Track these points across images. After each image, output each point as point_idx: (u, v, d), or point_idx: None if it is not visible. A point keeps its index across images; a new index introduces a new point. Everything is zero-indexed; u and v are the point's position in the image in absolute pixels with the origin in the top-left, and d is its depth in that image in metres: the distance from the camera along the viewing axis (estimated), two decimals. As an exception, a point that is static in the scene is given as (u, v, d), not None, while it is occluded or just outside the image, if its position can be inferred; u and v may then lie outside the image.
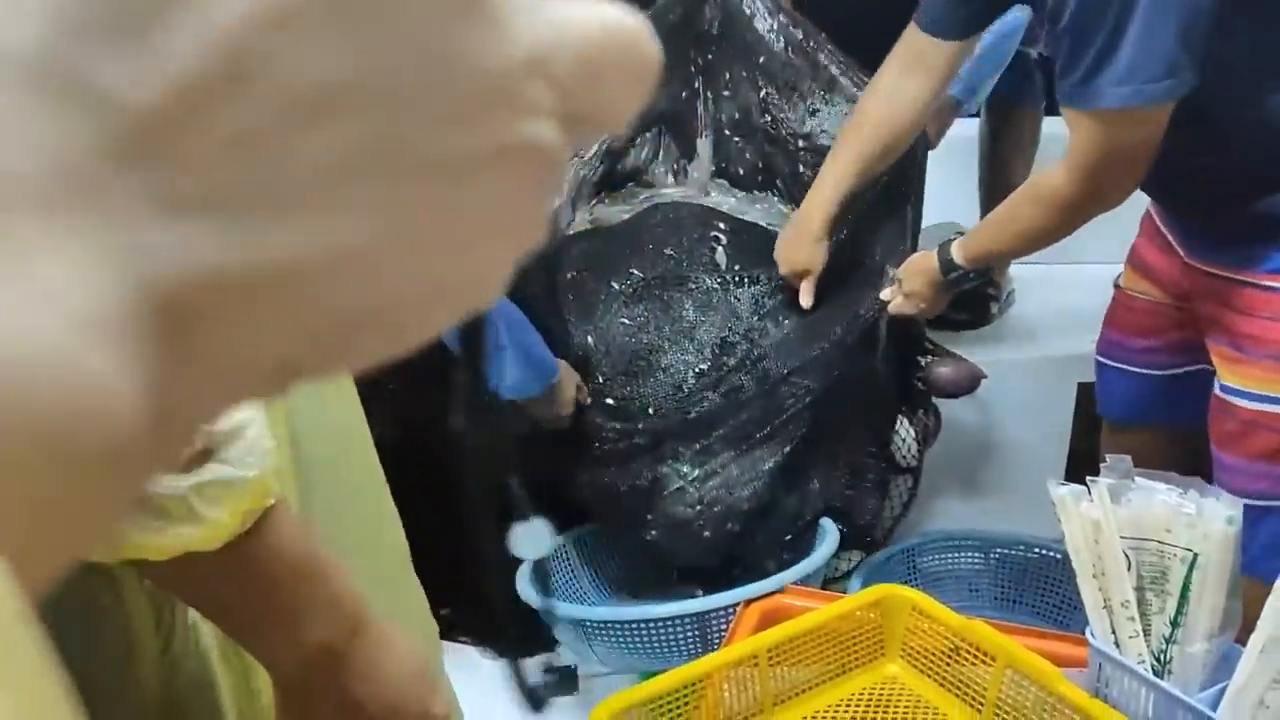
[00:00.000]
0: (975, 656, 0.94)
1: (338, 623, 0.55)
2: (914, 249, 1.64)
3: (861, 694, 0.98)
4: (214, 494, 0.48)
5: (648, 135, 1.74)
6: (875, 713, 0.95)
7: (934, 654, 0.98)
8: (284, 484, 0.60)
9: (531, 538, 1.24)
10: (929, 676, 0.98)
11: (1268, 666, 0.79)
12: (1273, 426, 1.20)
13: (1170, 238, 1.34)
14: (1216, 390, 1.25)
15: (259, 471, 0.50)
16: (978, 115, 2.02)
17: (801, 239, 1.55)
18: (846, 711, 0.96)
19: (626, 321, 1.60)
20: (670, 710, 0.91)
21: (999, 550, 1.77)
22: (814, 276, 1.56)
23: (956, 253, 1.42)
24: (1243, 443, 1.22)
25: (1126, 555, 0.85)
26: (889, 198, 1.64)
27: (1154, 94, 1.12)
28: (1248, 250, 1.22)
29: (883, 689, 0.98)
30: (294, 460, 0.65)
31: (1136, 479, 0.87)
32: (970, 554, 1.79)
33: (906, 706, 0.96)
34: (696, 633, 1.39)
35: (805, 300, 1.58)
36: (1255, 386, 1.21)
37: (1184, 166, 1.22)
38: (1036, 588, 1.74)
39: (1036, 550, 1.72)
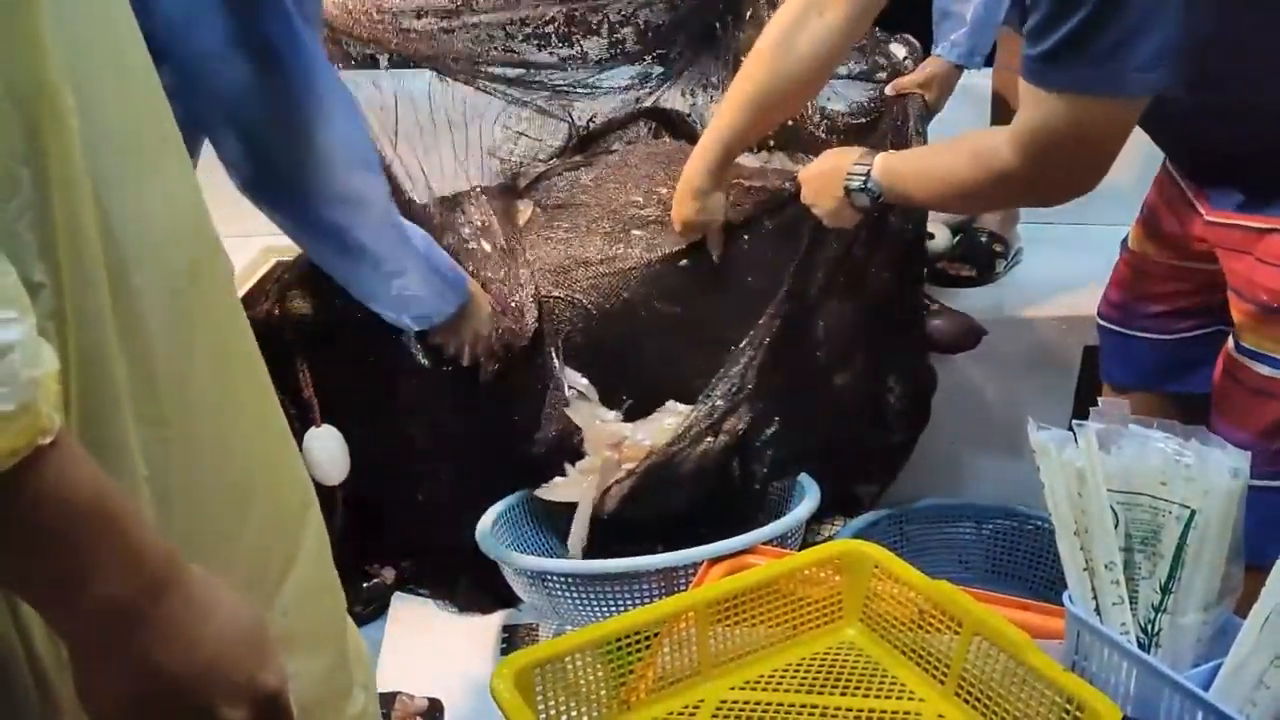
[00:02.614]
0: (941, 622, 0.84)
1: (134, 579, 0.47)
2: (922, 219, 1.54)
3: (813, 659, 0.88)
4: None
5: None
6: (825, 680, 0.85)
7: (897, 619, 0.88)
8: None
9: (325, 450, 1.13)
10: (889, 643, 0.88)
11: (1270, 642, 0.68)
12: None
13: (1190, 195, 1.22)
14: (1231, 350, 1.13)
15: (18, 405, 0.41)
16: (990, 65, 1.89)
17: (683, 195, 1.42)
18: (794, 678, 0.86)
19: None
20: (593, 668, 0.81)
21: (993, 522, 1.67)
22: (714, 229, 1.44)
23: (876, 167, 1.26)
24: (1246, 412, 1.10)
25: (1114, 511, 0.75)
26: None
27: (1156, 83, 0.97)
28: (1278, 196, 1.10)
29: (837, 654, 0.88)
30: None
31: (1130, 425, 0.76)
32: (962, 524, 1.69)
33: (861, 675, 0.85)
34: (661, 590, 1.30)
35: (714, 253, 1.47)
36: (1276, 350, 1.08)
37: (1215, 123, 1.10)
38: (1032, 561, 1.64)
39: (1033, 522, 1.62)
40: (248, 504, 0.63)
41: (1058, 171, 1.09)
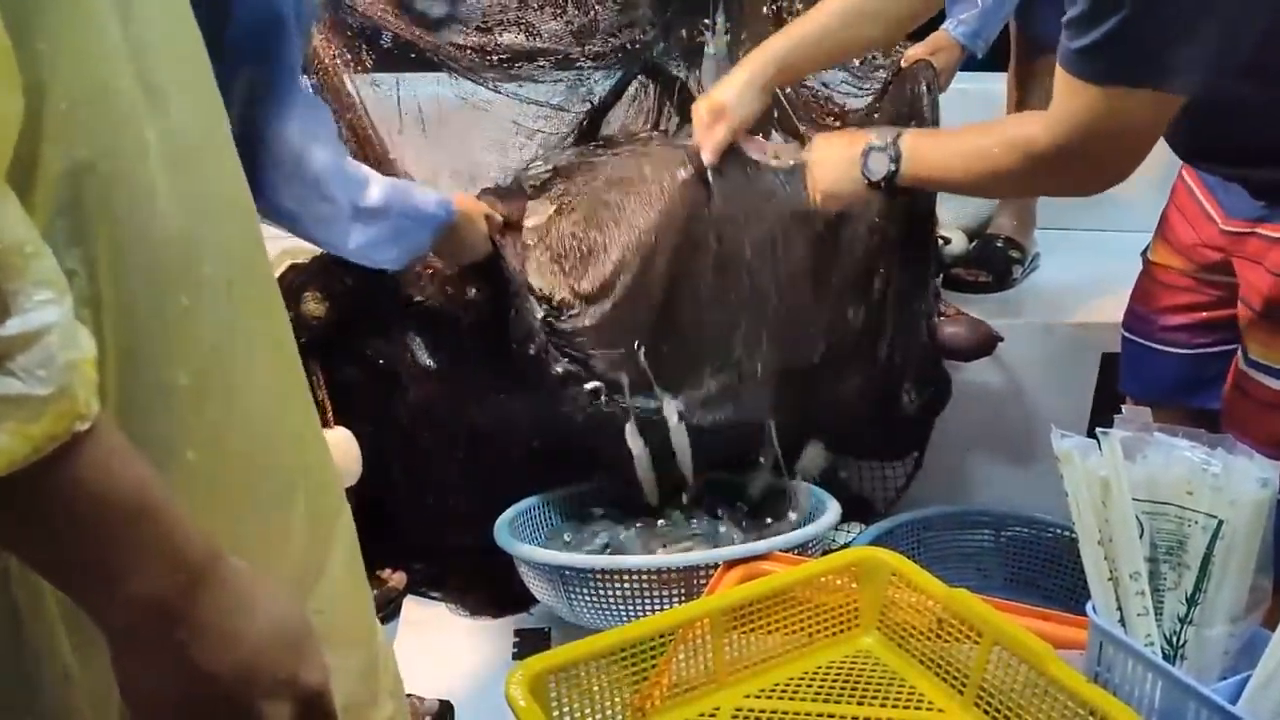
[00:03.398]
0: (961, 632, 0.83)
1: (174, 574, 0.46)
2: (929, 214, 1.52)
3: (829, 668, 0.87)
4: None
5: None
6: (842, 689, 0.84)
7: (915, 627, 0.87)
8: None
9: (339, 452, 1.12)
10: (907, 652, 0.87)
11: (1299, 655, 0.67)
12: None
13: (1208, 203, 1.21)
14: (1240, 364, 1.12)
15: (56, 389, 0.41)
16: (1005, 69, 1.88)
17: (731, 76, 1.35)
18: (810, 686, 0.85)
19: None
20: (608, 674, 0.80)
21: (1011, 529, 1.65)
22: (726, 126, 1.35)
23: (900, 149, 1.24)
24: (1258, 426, 1.08)
25: (1139, 520, 0.73)
26: None
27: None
28: None
29: (853, 663, 0.87)
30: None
31: (1156, 434, 0.75)
32: (980, 532, 1.67)
33: (879, 684, 0.84)
34: (681, 591, 1.29)
35: (705, 155, 1.36)
36: None
37: (1235, 126, 1.08)
38: (1051, 570, 1.62)
39: (1052, 530, 1.60)
40: (291, 503, 0.63)
41: (1093, 161, 1.08)
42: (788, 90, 1.58)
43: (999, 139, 1.15)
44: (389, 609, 1.59)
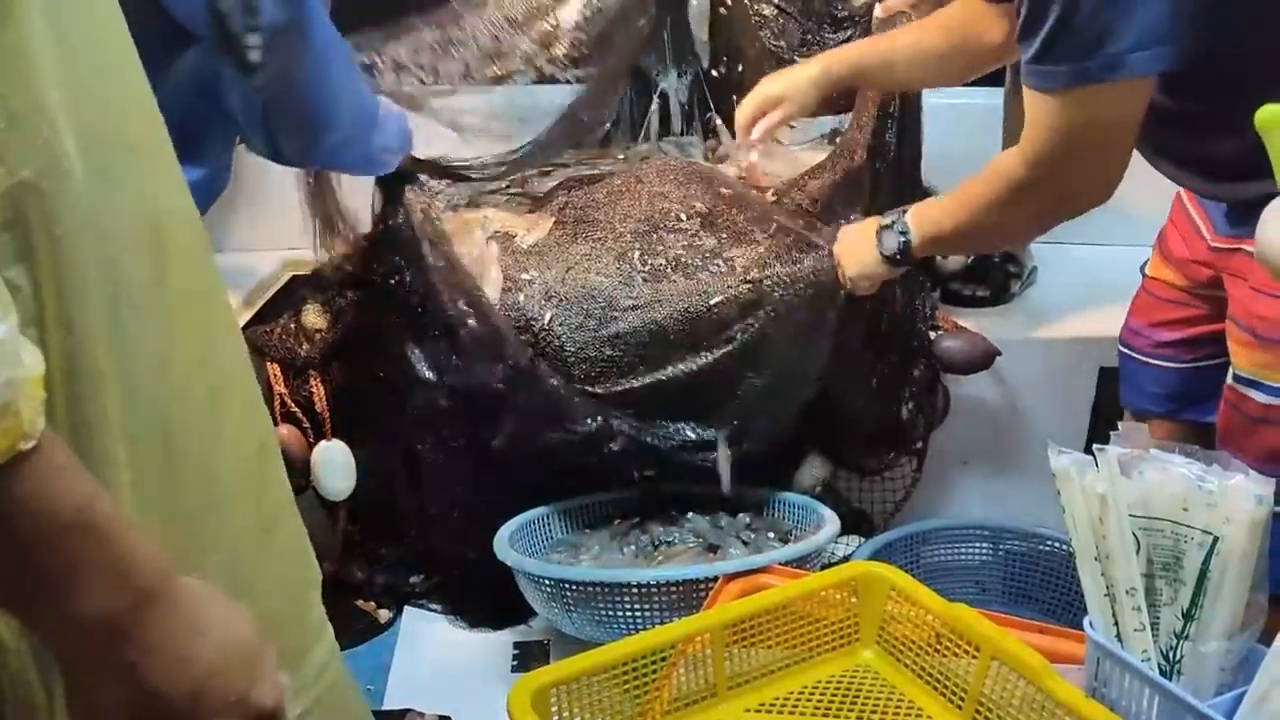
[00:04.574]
0: (959, 646, 0.83)
1: (122, 593, 0.46)
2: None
3: (829, 682, 0.87)
4: None
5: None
6: (841, 704, 0.85)
7: (913, 642, 0.87)
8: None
9: (332, 466, 1.13)
10: (906, 666, 0.87)
11: (1295, 671, 0.67)
12: None
13: (1199, 219, 1.22)
14: (1230, 380, 1.13)
15: None
16: (1002, 85, 1.89)
17: (792, 69, 1.42)
18: (809, 701, 0.85)
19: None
20: (609, 688, 0.81)
21: (1009, 542, 1.65)
22: (782, 113, 1.42)
23: (906, 223, 1.29)
24: (1248, 441, 1.08)
25: (1135, 536, 0.74)
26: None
27: (1138, 64, 0.96)
28: None
29: (853, 677, 0.88)
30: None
31: (1152, 451, 0.76)
32: (978, 545, 1.67)
33: (877, 699, 0.85)
34: (681, 604, 1.29)
35: (756, 133, 1.44)
36: (1270, 376, 1.07)
37: (1214, 138, 1.09)
38: (1049, 584, 1.62)
39: (1049, 543, 1.61)
40: (240, 509, 0.62)
41: (1072, 177, 1.08)
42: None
43: (985, 181, 1.18)
44: (362, 633, 1.57)
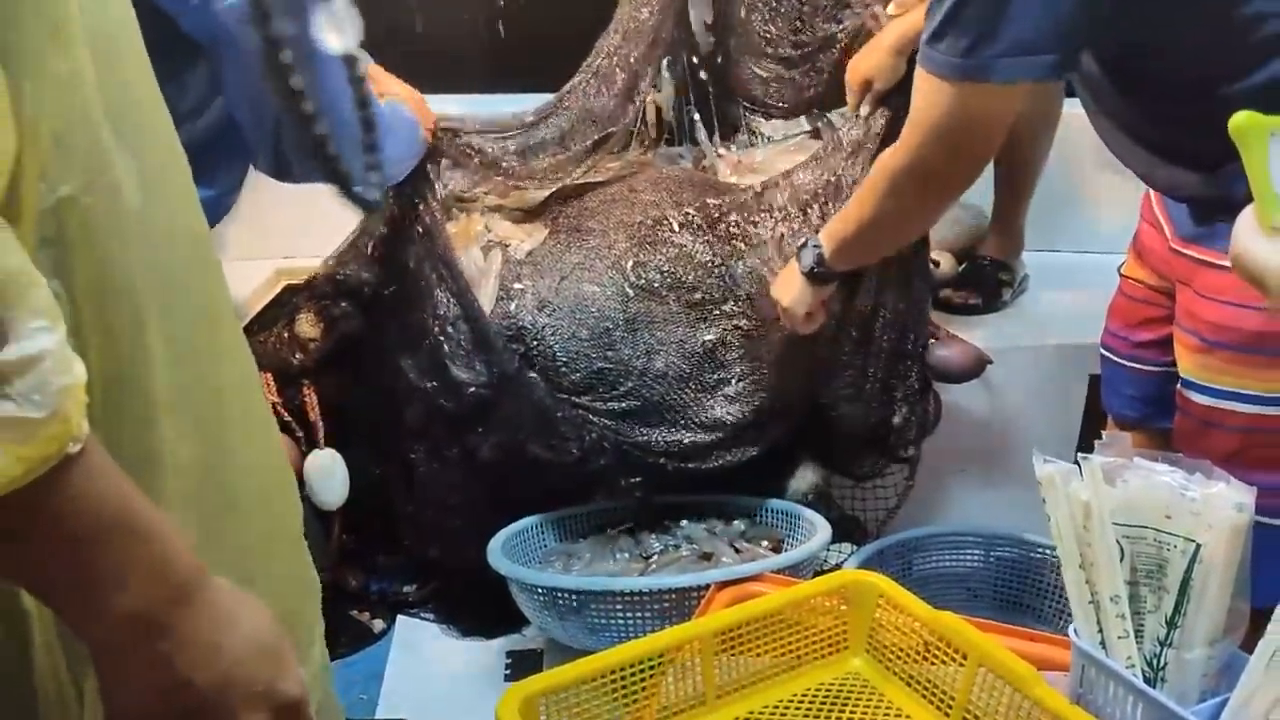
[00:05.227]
0: (947, 654, 0.84)
1: (157, 589, 0.48)
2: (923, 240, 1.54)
3: (818, 690, 0.88)
4: None
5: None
6: (831, 711, 0.85)
7: (902, 650, 0.87)
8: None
9: (325, 476, 1.15)
10: (895, 674, 0.87)
11: (1277, 677, 0.68)
12: (1229, 425, 1.06)
13: (1162, 218, 1.23)
14: (1179, 386, 1.14)
15: (50, 413, 0.42)
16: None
17: (871, 49, 1.46)
18: (799, 708, 0.86)
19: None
20: (599, 697, 0.81)
21: (1000, 550, 1.66)
22: (878, 89, 1.47)
23: (822, 237, 1.33)
24: (1198, 444, 1.09)
25: (1119, 544, 0.75)
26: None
27: (1029, 69, 0.99)
28: (1212, 228, 1.10)
29: (842, 685, 0.88)
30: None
31: (1135, 459, 0.76)
32: (970, 552, 1.68)
33: (866, 706, 0.85)
34: (673, 612, 1.29)
35: (863, 109, 1.50)
36: (1212, 379, 1.08)
37: (1168, 138, 1.11)
38: (1040, 590, 1.62)
39: (1040, 550, 1.61)
40: (260, 514, 0.64)
41: (939, 159, 1.12)
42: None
43: (870, 178, 1.22)
44: (356, 642, 1.58)
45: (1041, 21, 0.97)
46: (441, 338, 1.45)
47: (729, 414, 1.45)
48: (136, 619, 0.47)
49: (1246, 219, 0.54)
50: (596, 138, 1.59)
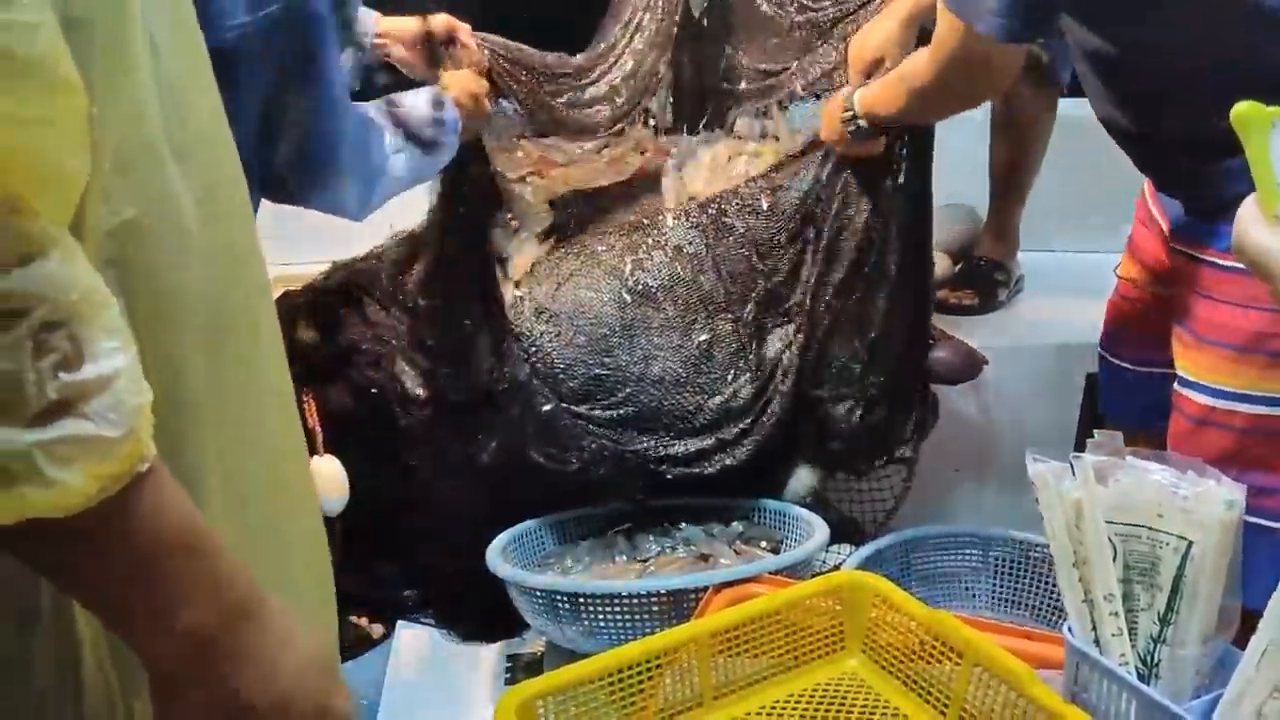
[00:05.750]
0: (942, 653, 0.84)
1: (218, 606, 0.49)
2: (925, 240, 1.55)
3: (815, 689, 0.88)
4: (65, 453, 0.41)
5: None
6: (828, 710, 0.85)
7: (898, 649, 0.88)
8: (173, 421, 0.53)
9: (325, 481, 1.16)
10: (891, 673, 0.88)
11: (1268, 674, 0.68)
12: (1224, 424, 1.07)
13: (1159, 216, 1.23)
14: (1175, 385, 1.14)
15: (125, 431, 0.43)
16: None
17: (882, 20, 1.44)
18: (795, 708, 0.86)
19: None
20: (598, 699, 0.81)
21: (999, 549, 1.66)
22: (889, 67, 1.43)
23: (856, 97, 1.38)
24: (1193, 443, 1.10)
25: (1112, 542, 0.75)
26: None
27: (1002, 30, 1.08)
28: (1212, 226, 1.11)
29: (839, 685, 0.89)
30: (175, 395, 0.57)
31: (1127, 457, 0.77)
32: (968, 552, 1.68)
33: (863, 705, 0.86)
34: (672, 614, 1.30)
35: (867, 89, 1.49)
36: (1209, 378, 1.08)
37: (1168, 134, 1.12)
38: (1039, 589, 1.62)
39: (1039, 549, 1.61)
40: (294, 530, 0.66)
41: (957, 82, 1.22)
42: None
43: (903, 68, 1.30)
44: (356, 647, 1.58)
45: None
46: (458, 344, 1.45)
47: (727, 418, 1.46)
48: (198, 637, 0.48)
49: (1249, 208, 0.55)
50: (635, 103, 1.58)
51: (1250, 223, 0.55)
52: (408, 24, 1.42)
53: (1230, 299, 1.06)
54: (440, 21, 1.43)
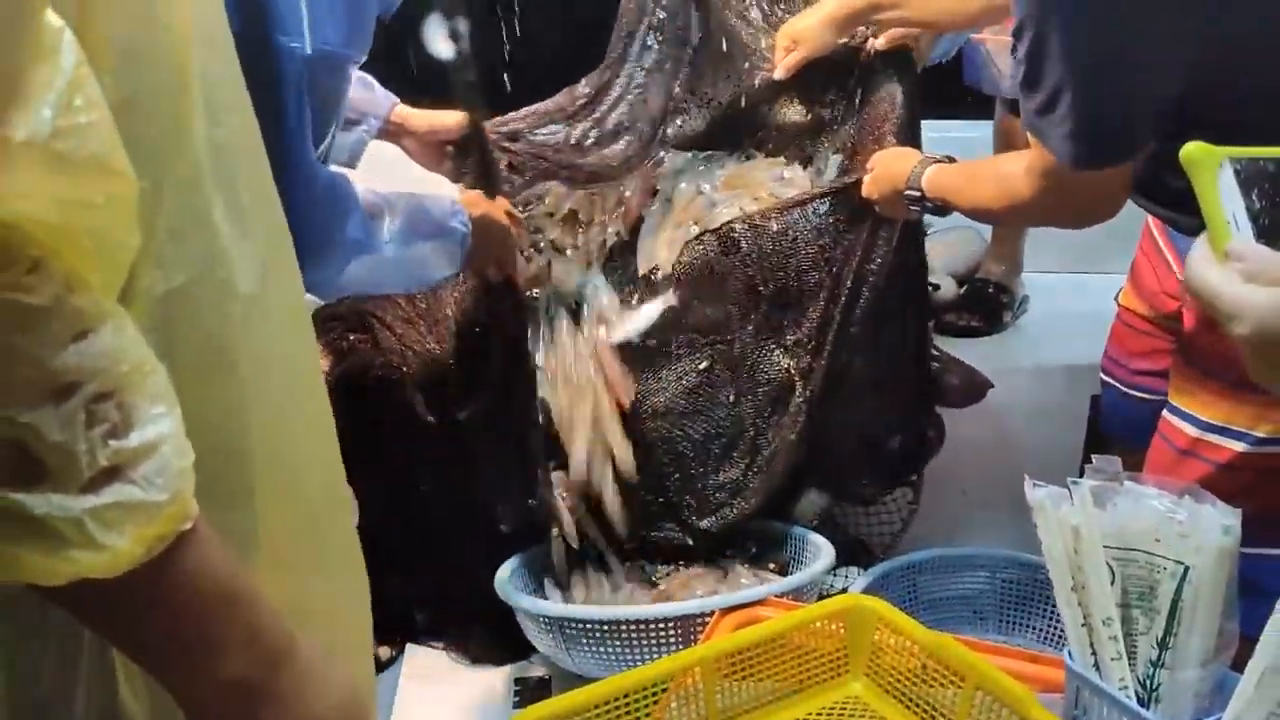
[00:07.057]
0: (945, 677, 0.85)
1: (258, 655, 0.50)
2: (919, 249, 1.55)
3: (819, 714, 0.89)
4: (114, 518, 0.43)
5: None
6: (830, 735, 0.86)
7: (901, 673, 0.89)
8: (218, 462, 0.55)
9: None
10: (895, 697, 0.89)
11: (1266, 697, 0.69)
12: (1210, 459, 1.06)
13: (1169, 253, 1.24)
14: (1165, 412, 1.15)
15: (170, 495, 0.45)
16: (991, 117, 1.93)
17: (810, 12, 1.45)
18: (800, 733, 0.87)
19: None
20: (603, 723, 0.82)
21: (1006, 571, 1.66)
22: (801, 52, 1.47)
23: (925, 179, 1.29)
24: (1173, 472, 1.08)
25: (1110, 567, 0.76)
26: None
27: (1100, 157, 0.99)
28: None
29: (843, 709, 0.89)
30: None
31: (1125, 483, 0.78)
32: (975, 575, 1.68)
33: (866, 730, 0.87)
34: (679, 638, 1.31)
35: (778, 73, 1.50)
36: (1202, 412, 1.08)
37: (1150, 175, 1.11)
38: (1046, 612, 1.62)
39: (1045, 572, 1.59)
40: (330, 576, 0.67)
41: (1065, 206, 1.12)
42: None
43: (993, 185, 1.20)
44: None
45: (1105, 107, 0.96)
46: (487, 375, 1.47)
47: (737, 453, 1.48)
48: (238, 685, 0.49)
49: (1200, 248, 0.56)
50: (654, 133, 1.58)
51: (1200, 262, 0.56)
52: (426, 118, 1.39)
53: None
54: (456, 121, 1.40)
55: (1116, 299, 1.38)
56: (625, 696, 0.83)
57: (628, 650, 1.31)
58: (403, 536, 1.58)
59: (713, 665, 0.87)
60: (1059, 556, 0.77)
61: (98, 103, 0.43)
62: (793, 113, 1.62)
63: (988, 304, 1.86)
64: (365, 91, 1.35)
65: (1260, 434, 1.03)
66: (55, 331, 0.42)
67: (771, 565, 1.53)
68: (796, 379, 1.48)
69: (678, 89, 1.65)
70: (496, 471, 1.47)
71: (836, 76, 1.58)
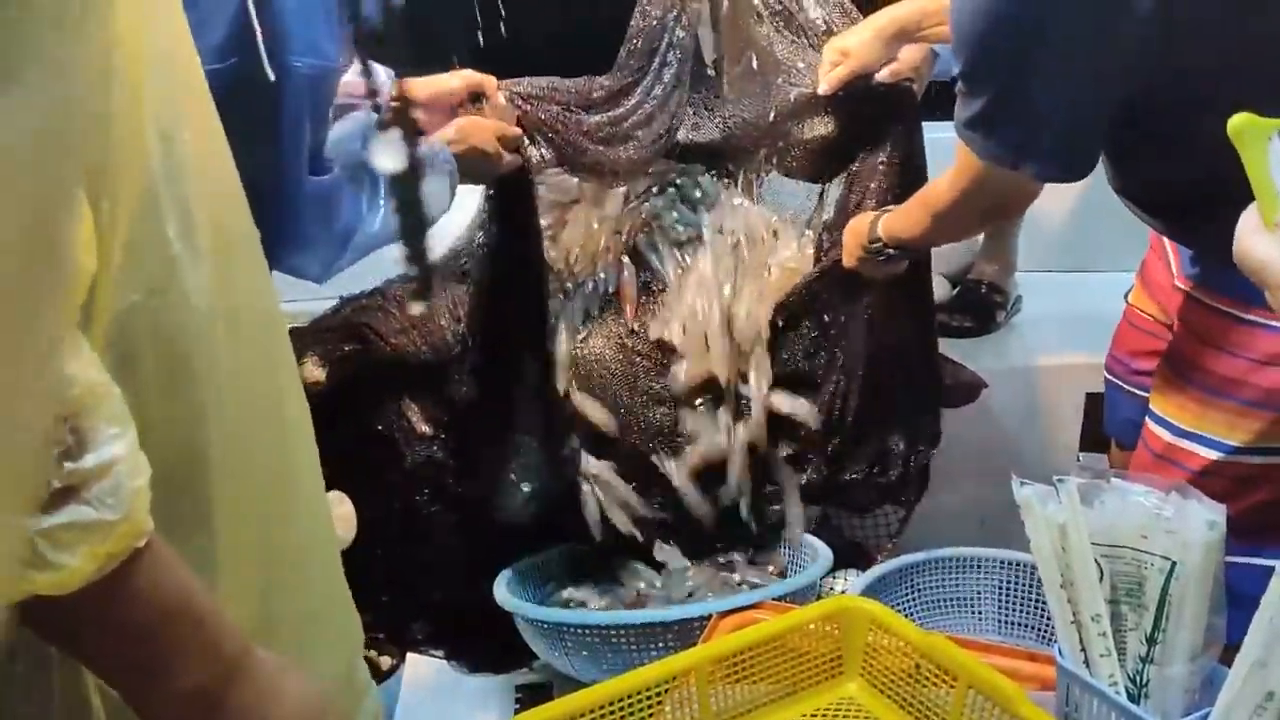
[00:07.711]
0: (938, 676, 0.86)
1: (213, 667, 0.51)
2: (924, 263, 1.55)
3: (814, 715, 0.89)
4: (67, 538, 0.44)
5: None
6: (825, 736, 0.87)
7: (895, 673, 0.89)
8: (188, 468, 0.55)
9: (334, 515, 1.16)
10: (889, 697, 0.89)
11: (1253, 690, 0.69)
12: (1184, 465, 1.08)
13: (1170, 253, 1.25)
14: (1146, 416, 1.16)
15: (123, 513, 0.46)
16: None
17: (858, 28, 1.44)
18: (795, 734, 0.87)
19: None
20: (598, 728, 0.83)
21: (1002, 571, 1.67)
22: (849, 66, 1.44)
23: (880, 228, 1.33)
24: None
25: (1098, 564, 0.77)
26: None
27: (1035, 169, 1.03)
28: (1202, 268, 1.13)
29: (838, 710, 0.90)
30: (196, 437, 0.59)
31: (1111, 480, 0.78)
32: (972, 574, 1.69)
33: (860, 730, 0.87)
34: (677, 643, 1.31)
35: (821, 87, 1.47)
36: (1177, 417, 1.09)
37: (1172, 182, 1.12)
38: (1043, 610, 1.63)
39: (1041, 570, 1.62)
40: (294, 592, 0.68)
41: (979, 208, 1.18)
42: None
43: (919, 195, 1.27)
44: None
45: (1042, 120, 0.99)
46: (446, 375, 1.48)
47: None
48: (192, 697, 0.50)
49: (1249, 218, 0.56)
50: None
51: (1251, 232, 0.56)
52: (428, 85, 1.34)
53: (1216, 343, 1.07)
54: (462, 80, 1.36)
55: (1126, 297, 1.39)
56: (622, 700, 0.84)
57: (626, 655, 1.32)
58: (401, 546, 1.58)
59: (708, 668, 0.87)
60: (1047, 554, 0.78)
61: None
62: (820, 129, 1.62)
63: (981, 304, 1.86)
64: (362, 76, 1.32)
65: (1234, 442, 1.04)
66: None
67: (770, 567, 1.54)
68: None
69: (693, 103, 1.65)
70: (519, 462, 1.48)
71: (850, 103, 1.60)
